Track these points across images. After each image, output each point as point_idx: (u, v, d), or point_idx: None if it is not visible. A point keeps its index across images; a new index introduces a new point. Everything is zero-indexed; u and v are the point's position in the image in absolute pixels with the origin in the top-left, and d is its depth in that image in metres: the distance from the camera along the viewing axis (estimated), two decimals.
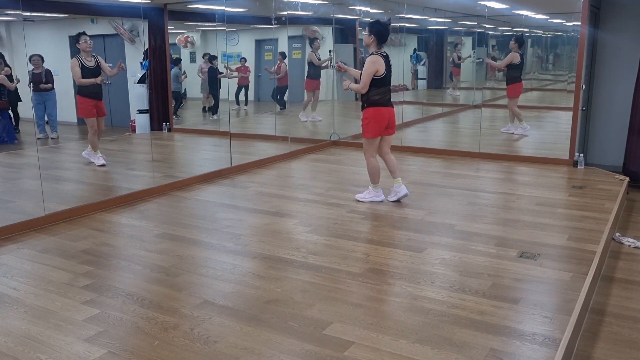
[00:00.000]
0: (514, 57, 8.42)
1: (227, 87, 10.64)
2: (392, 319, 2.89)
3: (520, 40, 8.62)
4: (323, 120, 10.10)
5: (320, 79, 10.33)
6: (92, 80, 6.34)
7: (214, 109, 11.02)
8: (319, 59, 10.28)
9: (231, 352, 2.58)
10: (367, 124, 4.86)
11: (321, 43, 11.54)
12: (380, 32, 4.72)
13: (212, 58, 11.07)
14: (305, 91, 10.29)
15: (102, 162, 6.63)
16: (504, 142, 8.32)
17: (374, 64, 4.69)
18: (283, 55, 11.04)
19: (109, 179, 6.27)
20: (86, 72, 6.31)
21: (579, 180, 5.87)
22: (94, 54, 6.48)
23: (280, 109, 10.89)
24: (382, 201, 5.03)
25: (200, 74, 11.60)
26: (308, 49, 10.81)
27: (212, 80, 11.04)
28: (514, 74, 8.46)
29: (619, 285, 3.47)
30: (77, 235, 4.26)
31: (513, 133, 8.59)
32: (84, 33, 6.39)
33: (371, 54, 4.77)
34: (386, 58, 4.78)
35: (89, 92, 6.45)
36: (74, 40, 6.38)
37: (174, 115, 11.00)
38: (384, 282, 3.33)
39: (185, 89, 11.85)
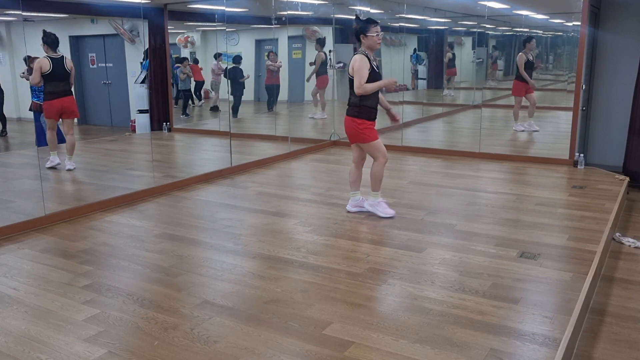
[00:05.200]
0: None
1: (228, 87, 10.64)
2: (392, 319, 2.89)
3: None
4: (326, 120, 10.11)
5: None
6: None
7: (234, 111, 10.89)
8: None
9: (231, 352, 2.58)
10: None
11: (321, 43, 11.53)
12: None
13: (237, 59, 10.92)
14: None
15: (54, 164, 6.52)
16: (504, 142, 8.32)
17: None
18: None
19: (109, 179, 6.27)
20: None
21: (579, 180, 5.87)
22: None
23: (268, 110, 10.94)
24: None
25: (215, 74, 11.48)
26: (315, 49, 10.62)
27: (236, 82, 10.85)
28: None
29: (619, 285, 3.47)
30: (77, 235, 4.26)
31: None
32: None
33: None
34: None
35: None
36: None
37: (182, 115, 10.99)
38: (384, 282, 3.33)
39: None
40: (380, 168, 4.56)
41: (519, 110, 8.61)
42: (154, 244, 4.07)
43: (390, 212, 4.63)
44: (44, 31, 6.22)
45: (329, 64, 10.50)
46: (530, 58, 8.45)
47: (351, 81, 4.42)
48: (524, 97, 8.47)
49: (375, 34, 4.36)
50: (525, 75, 8.29)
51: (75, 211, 4.77)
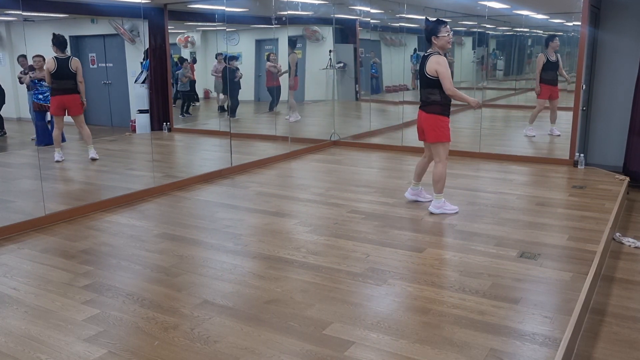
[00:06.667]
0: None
1: (226, 86, 10.63)
2: (392, 319, 2.89)
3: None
4: (322, 121, 10.10)
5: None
6: None
7: (232, 112, 10.86)
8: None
9: (231, 352, 2.58)
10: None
11: (321, 43, 11.55)
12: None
13: (231, 59, 10.86)
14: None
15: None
16: (504, 142, 8.32)
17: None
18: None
19: (109, 179, 6.27)
20: None
21: (580, 180, 5.87)
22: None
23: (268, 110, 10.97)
24: None
25: (214, 74, 11.45)
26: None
27: (231, 82, 10.80)
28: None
29: (619, 285, 3.47)
30: (77, 235, 4.26)
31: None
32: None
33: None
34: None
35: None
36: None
37: (181, 115, 10.97)
38: (384, 282, 3.33)
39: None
40: (444, 170, 4.66)
41: (538, 113, 8.24)
42: (154, 244, 4.07)
43: (455, 207, 4.77)
44: (54, 34, 6.64)
45: (328, 65, 10.52)
46: (553, 59, 7.96)
47: (430, 80, 4.47)
48: (547, 101, 8.05)
49: (446, 34, 4.46)
50: (538, 77, 7.99)
51: (75, 211, 4.77)
